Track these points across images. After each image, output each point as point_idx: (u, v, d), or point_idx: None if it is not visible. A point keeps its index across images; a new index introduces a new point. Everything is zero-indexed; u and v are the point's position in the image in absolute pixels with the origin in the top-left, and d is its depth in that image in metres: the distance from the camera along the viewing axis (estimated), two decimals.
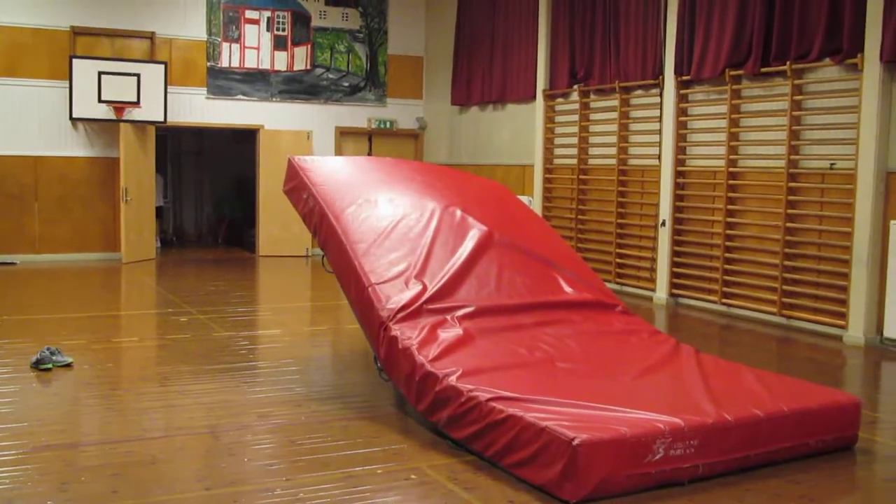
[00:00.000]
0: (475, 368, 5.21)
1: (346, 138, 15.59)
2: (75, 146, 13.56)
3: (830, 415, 5.08)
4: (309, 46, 15.06)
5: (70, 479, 4.51)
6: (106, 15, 13.60)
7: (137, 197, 13.41)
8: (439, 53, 15.47)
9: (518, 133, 13.42)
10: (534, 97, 12.84)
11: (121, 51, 13.78)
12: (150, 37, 13.91)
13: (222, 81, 14.48)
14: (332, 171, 7.14)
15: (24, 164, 13.15)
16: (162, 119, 13.66)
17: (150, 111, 13.50)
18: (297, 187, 6.96)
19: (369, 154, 15.69)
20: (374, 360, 6.00)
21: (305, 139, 14.88)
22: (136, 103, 13.35)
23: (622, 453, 4.35)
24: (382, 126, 15.70)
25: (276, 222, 14.76)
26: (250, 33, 14.61)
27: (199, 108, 14.37)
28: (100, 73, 13.13)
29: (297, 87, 15.05)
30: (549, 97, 12.60)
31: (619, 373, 5.47)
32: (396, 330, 5.57)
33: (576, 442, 4.23)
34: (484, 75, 14.06)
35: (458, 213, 6.74)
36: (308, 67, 15.10)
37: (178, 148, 17.69)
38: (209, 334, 8.25)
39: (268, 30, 14.72)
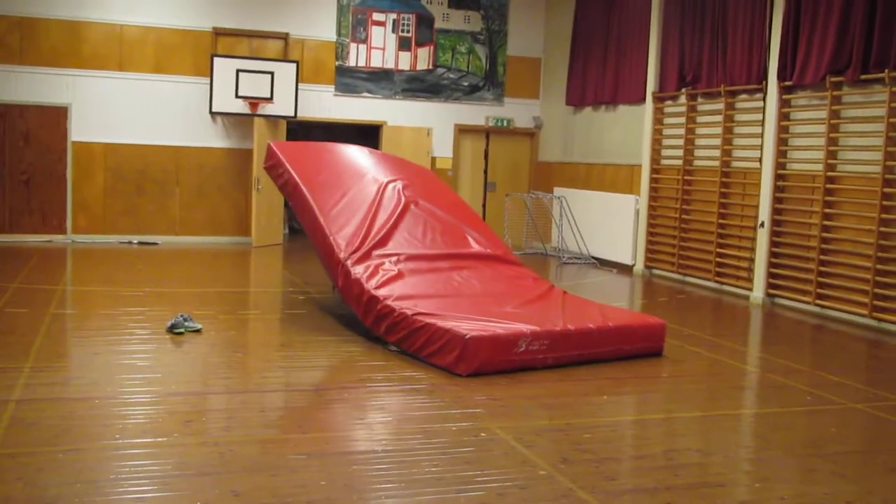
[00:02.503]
0: (404, 295, 7.43)
1: (465, 135, 16.29)
2: (213, 138, 14.74)
3: (643, 331, 7.51)
4: (432, 47, 15.83)
5: (192, 419, 5.34)
6: (245, 17, 14.74)
7: (268, 186, 14.44)
8: (556, 55, 15.99)
9: (628, 134, 13.82)
10: (644, 99, 13.23)
11: (257, 50, 14.88)
12: (285, 37, 14.97)
13: (349, 80, 15.41)
14: (301, 153, 9.39)
15: (168, 154, 14.40)
16: (293, 114, 14.68)
17: (282, 107, 14.54)
18: (275, 165, 9.22)
19: (486, 151, 16.37)
20: (332, 288, 8.55)
21: (426, 135, 15.65)
22: (270, 99, 14.42)
23: (497, 345, 6.63)
24: (500, 124, 16.32)
25: None
26: (377, 34, 15.49)
27: (327, 105, 15.35)
28: (238, 71, 14.25)
29: (420, 86, 15.84)
30: (659, 99, 12.96)
31: (505, 302, 7.67)
32: (350, 267, 7.83)
33: (467, 336, 6.50)
34: (598, 77, 14.51)
35: (393, 186, 9.06)
36: (430, 67, 15.86)
37: (307, 141, 18.76)
38: (323, 312, 9.07)
39: (393, 31, 15.56)
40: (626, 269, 13.39)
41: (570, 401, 6.15)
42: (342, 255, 7.94)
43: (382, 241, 8.25)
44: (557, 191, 15.41)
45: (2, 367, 6.29)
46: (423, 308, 7.10)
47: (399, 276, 7.79)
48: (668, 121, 12.92)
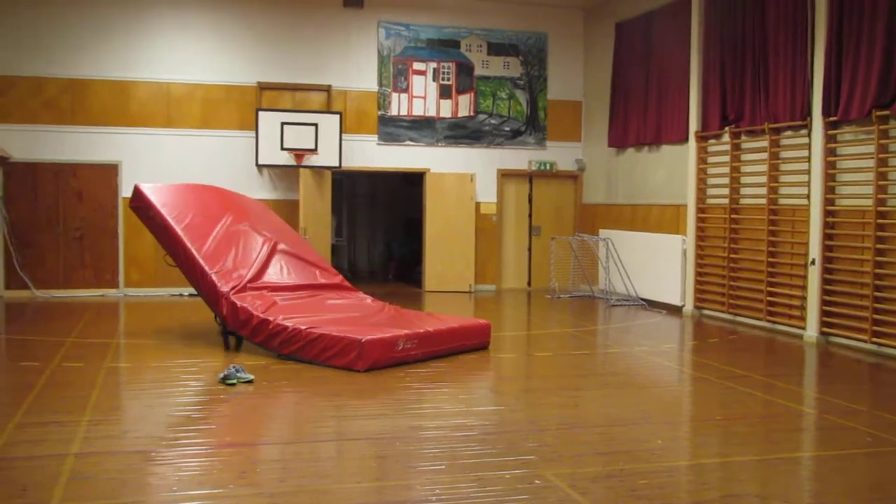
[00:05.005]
0: (287, 315, 9.11)
1: (508, 180, 16.35)
2: (261, 189, 14.97)
3: (476, 330, 9.82)
4: (472, 94, 15.98)
5: (247, 470, 5.37)
6: (288, 71, 15.04)
7: (315, 235, 14.61)
8: (597, 97, 16.05)
9: (672, 174, 13.79)
10: (686, 139, 13.21)
11: (301, 103, 15.14)
12: (327, 89, 15.22)
13: (392, 128, 15.59)
14: (166, 195, 10.41)
15: None
16: (337, 164, 14.87)
17: (326, 157, 14.74)
18: (143, 206, 10.26)
19: (529, 195, 16.42)
20: (214, 317, 9.68)
21: (469, 181, 15.74)
22: (314, 150, 14.63)
23: (384, 346, 8.54)
24: (542, 168, 16.37)
25: (442, 260, 15.67)
26: (417, 83, 15.69)
27: (370, 154, 15.53)
28: (282, 124, 14.50)
29: (461, 133, 15.97)
30: (702, 139, 12.93)
31: (365, 317, 9.70)
32: (234, 298, 9.36)
33: (363, 340, 8.35)
34: (639, 118, 14.53)
35: (249, 226, 10.61)
36: (471, 114, 16.00)
37: (351, 190, 19.01)
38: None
39: (434, 80, 15.75)
40: (675, 310, 13.27)
41: (624, 446, 6.09)
42: (224, 290, 9.44)
43: (255, 278, 9.91)
44: (603, 233, 15.37)
45: (61, 421, 6.39)
46: (312, 324, 8.89)
47: (275, 303, 9.50)
48: (712, 159, 12.88)
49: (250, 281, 9.81)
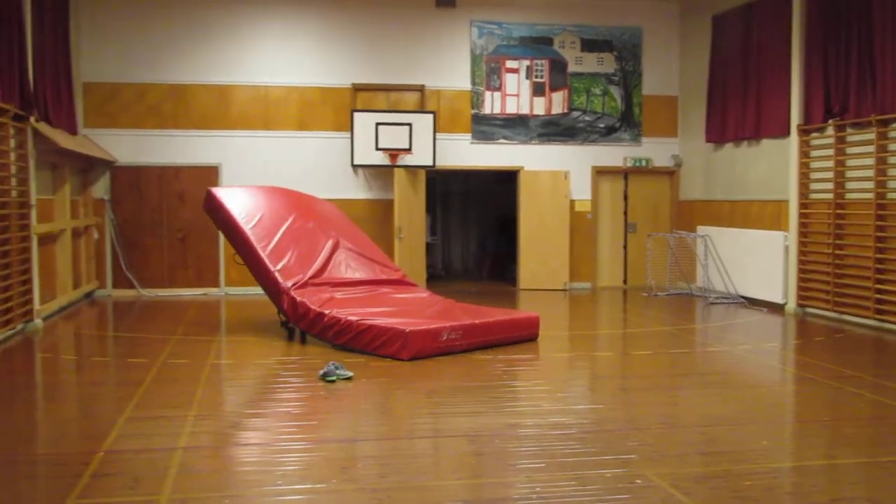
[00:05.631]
0: (342, 308, 9.72)
1: (602, 177, 16.19)
2: (356, 189, 15.17)
3: (523, 323, 10.17)
4: (566, 91, 15.87)
5: (348, 465, 5.45)
6: (383, 72, 15.20)
7: (409, 234, 14.73)
8: (693, 91, 15.76)
9: (773, 169, 13.43)
10: (788, 133, 12.85)
11: (395, 103, 15.28)
12: (421, 89, 15.32)
13: (485, 127, 15.60)
14: (236, 197, 11.11)
15: None
16: (431, 163, 14.96)
17: (420, 156, 14.84)
18: (214, 208, 11.00)
19: (625, 192, 16.23)
20: (277, 312, 10.36)
21: (563, 179, 15.64)
22: (409, 150, 14.74)
23: (428, 336, 9.02)
24: (638, 164, 16.15)
25: (536, 258, 15.61)
26: (510, 81, 15.66)
27: (464, 153, 15.58)
28: (377, 125, 14.65)
29: (555, 130, 15.87)
30: (804, 132, 12.56)
31: (418, 310, 10.12)
32: (294, 294, 10.01)
33: (407, 330, 8.85)
34: (738, 112, 14.20)
35: (315, 226, 11.26)
36: (565, 111, 15.89)
37: (445, 189, 19.09)
38: (469, 357, 9.13)
39: (527, 77, 15.70)
40: (776, 308, 12.93)
41: (727, 446, 5.96)
42: (286, 286, 10.09)
43: (317, 274, 10.53)
44: (701, 229, 15.08)
45: (169, 416, 6.59)
46: (362, 316, 9.44)
47: (333, 297, 10.15)
48: (815, 153, 12.49)
49: (312, 277, 10.43)
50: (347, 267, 11.01)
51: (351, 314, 9.49)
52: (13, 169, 10.45)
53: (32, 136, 11.03)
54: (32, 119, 10.98)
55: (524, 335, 10.06)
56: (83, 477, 5.15)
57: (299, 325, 9.91)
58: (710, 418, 6.70)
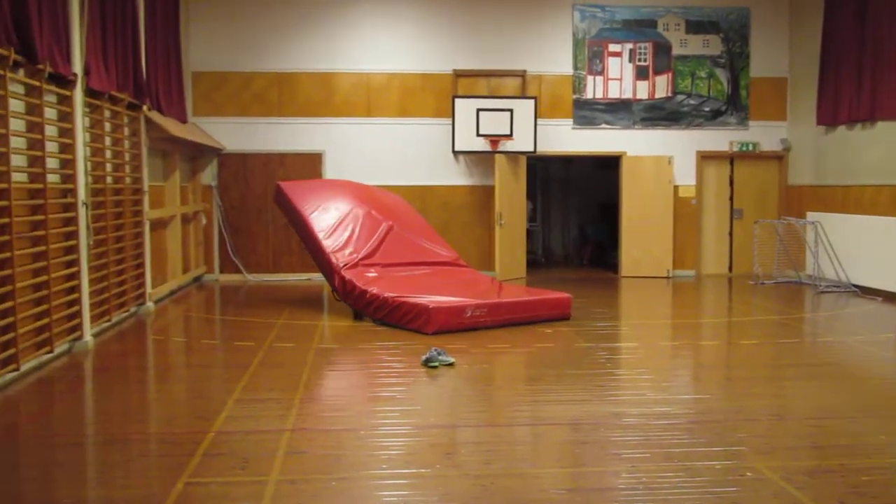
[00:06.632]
0: (385, 287, 10.50)
1: (707, 162, 15.82)
2: (456, 176, 15.19)
3: (555, 302, 10.69)
4: (670, 74, 15.55)
5: (452, 451, 5.47)
6: (483, 58, 15.15)
7: (510, 221, 14.68)
8: (804, 73, 15.23)
9: (890, 152, 12.88)
10: None
11: (495, 89, 15.22)
12: (522, 74, 15.22)
13: (587, 112, 15.41)
14: (303, 190, 12.10)
15: (414, 193, 14.97)
16: (532, 149, 14.86)
17: (521, 142, 14.76)
18: (283, 200, 11.97)
19: (731, 177, 15.83)
20: (332, 290, 11.24)
21: (666, 164, 15.34)
22: (510, 136, 14.68)
23: (451, 312, 9.73)
24: (744, 149, 15.73)
25: (639, 245, 15.38)
26: (613, 65, 15.42)
27: (565, 138, 15.42)
28: (478, 111, 14.63)
29: (659, 114, 15.58)
30: None
31: (459, 290, 10.64)
32: (345, 272, 10.87)
33: (431, 306, 9.61)
34: (852, 93, 13.66)
35: (373, 213, 12.05)
36: (669, 95, 15.58)
37: (546, 175, 18.96)
38: (572, 344, 9.06)
39: (630, 61, 15.43)
40: (892, 297, 12.43)
41: (842, 440, 5.75)
42: (339, 265, 10.98)
43: (369, 255, 11.37)
44: (811, 215, 14.60)
45: (276, 398, 6.73)
46: (398, 292, 10.20)
47: (379, 276, 10.97)
48: None
49: (363, 258, 11.30)
50: (399, 250, 11.74)
51: (388, 292, 10.26)
52: (127, 156, 10.81)
53: (145, 125, 11.41)
54: (145, 108, 11.35)
55: (554, 314, 10.55)
56: (195, 456, 5.30)
57: (347, 301, 10.74)
58: (822, 410, 6.49)
